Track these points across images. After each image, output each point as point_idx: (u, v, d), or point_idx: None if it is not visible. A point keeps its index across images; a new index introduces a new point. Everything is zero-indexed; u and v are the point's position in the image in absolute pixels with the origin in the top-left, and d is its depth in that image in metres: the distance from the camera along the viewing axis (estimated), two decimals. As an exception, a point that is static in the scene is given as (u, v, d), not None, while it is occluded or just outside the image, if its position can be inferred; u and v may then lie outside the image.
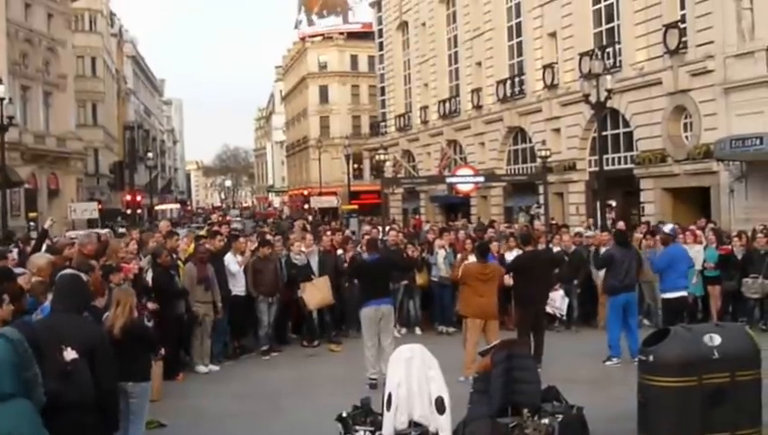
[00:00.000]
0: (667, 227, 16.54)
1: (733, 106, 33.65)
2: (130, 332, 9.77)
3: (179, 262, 17.95)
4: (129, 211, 76.28)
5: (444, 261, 21.77)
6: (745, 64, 33.13)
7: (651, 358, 10.17)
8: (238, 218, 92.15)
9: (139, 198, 77.37)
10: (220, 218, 64.81)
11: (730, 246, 21.46)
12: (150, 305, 14.96)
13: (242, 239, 20.99)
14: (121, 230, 33.88)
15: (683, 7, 37.26)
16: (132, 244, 17.84)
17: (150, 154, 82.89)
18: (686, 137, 37.40)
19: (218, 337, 18.13)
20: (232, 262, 18.89)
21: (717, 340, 10.10)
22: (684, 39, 36.66)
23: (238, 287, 18.85)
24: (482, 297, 16.06)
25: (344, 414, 11.11)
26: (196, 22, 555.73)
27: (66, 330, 7.34)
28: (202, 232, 24.36)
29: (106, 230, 36.78)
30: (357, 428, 10.87)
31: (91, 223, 52.41)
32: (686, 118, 37.55)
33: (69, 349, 7.11)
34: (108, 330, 9.35)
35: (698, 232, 22.45)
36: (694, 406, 9.86)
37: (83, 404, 6.97)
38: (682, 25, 36.87)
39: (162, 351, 12.06)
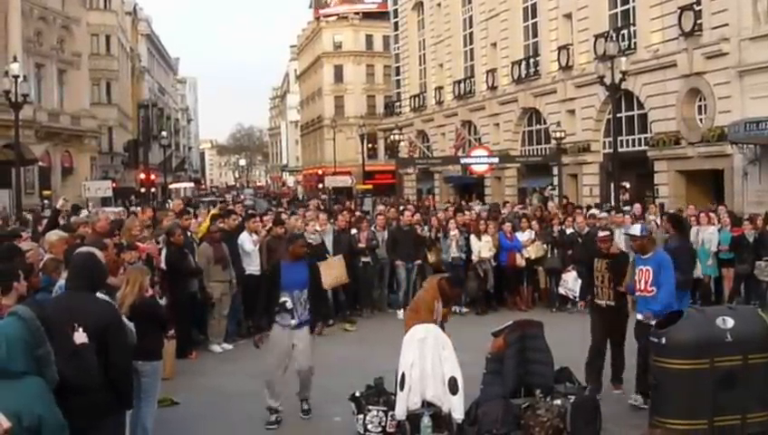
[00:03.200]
0: (635, 229, 13.50)
1: (747, 89, 33.51)
2: (140, 310, 9.78)
3: (194, 240, 18.01)
4: (143, 190, 76.27)
5: (456, 243, 21.75)
6: (760, 47, 32.96)
7: (664, 340, 10.17)
8: (251, 197, 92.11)
9: (152, 176, 77.21)
10: (234, 198, 65.03)
11: (742, 228, 21.39)
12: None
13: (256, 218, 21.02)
14: (134, 209, 33.90)
15: (698, -11, 37.10)
16: (144, 221, 17.91)
17: (164, 133, 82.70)
18: (701, 119, 37.29)
19: (233, 316, 18.20)
20: (247, 241, 18.92)
21: (730, 322, 10.10)
22: (699, 21, 36.50)
23: (252, 266, 18.87)
24: None
25: (357, 394, 11.19)
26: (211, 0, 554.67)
27: (79, 309, 7.36)
28: (215, 210, 24.36)
29: (120, 209, 36.86)
30: (370, 407, 10.95)
31: (104, 201, 52.46)
32: (700, 100, 37.42)
33: (80, 330, 7.14)
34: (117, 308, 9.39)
35: (711, 214, 22.41)
36: (705, 389, 9.87)
37: (89, 387, 7.00)
38: (697, 8, 36.68)
39: (172, 330, 12.11)
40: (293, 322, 11.89)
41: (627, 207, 28.27)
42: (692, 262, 17.15)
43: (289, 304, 11.85)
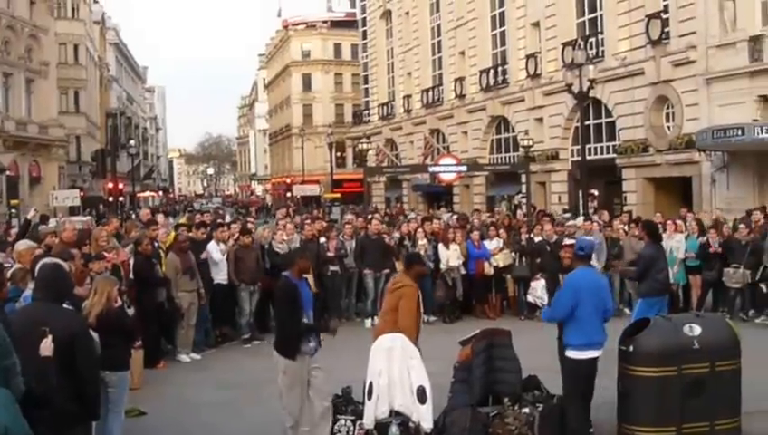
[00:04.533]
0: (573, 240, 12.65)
1: (715, 96, 33.76)
2: (107, 321, 9.71)
3: (161, 250, 17.93)
4: (110, 199, 75.81)
5: (424, 251, 21.71)
6: (727, 55, 33.23)
7: (631, 348, 10.22)
8: (220, 206, 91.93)
9: (121, 185, 76.70)
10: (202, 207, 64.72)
11: (706, 238, 21.47)
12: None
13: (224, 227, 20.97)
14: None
15: (666, -3, 37.37)
16: (111, 232, 17.82)
17: (133, 142, 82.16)
18: (668, 127, 37.52)
19: (200, 325, 18.13)
20: (214, 250, 18.88)
21: (697, 330, 10.17)
22: (666, 29, 36.75)
23: (220, 275, 18.86)
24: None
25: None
26: (180, 9, 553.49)
27: (46, 319, 7.32)
28: (182, 220, 24.31)
29: (88, 218, 36.64)
30: (338, 416, 10.93)
31: (72, 211, 52.17)
32: (668, 108, 37.64)
33: (47, 340, 7.09)
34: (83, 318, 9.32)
35: (679, 221, 22.51)
36: (673, 396, 9.94)
37: (52, 399, 6.94)
38: (665, 16, 36.95)
39: (140, 340, 12.01)
40: (312, 345, 10.74)
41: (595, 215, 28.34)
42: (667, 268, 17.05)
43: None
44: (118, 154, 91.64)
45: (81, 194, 58.96)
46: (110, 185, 76.97)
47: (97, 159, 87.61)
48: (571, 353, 10.46)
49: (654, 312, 13.96)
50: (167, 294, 16.92)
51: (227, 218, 31.71)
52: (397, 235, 22.77)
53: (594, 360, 10.43)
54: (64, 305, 7.93)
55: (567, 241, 12.72)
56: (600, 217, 25.82)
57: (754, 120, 30.75)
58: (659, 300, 15.12)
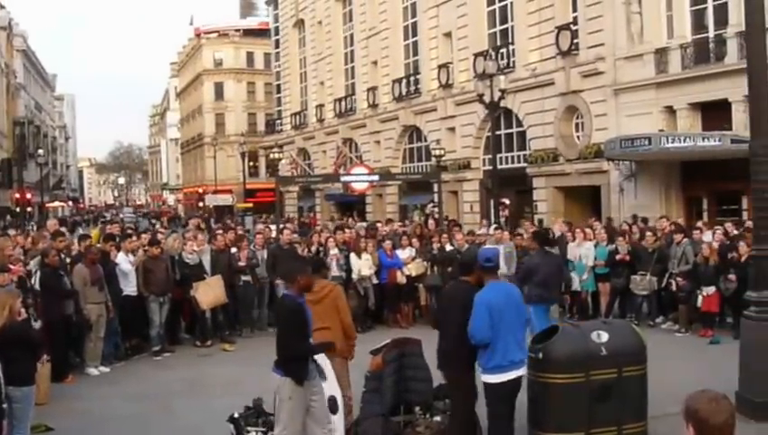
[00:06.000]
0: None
1: (622, 107, 34.34)
2: (10, 334, 9.54)
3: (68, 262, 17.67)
4: (18, 209, 74.63)
5: (336, 261, 21.69)
6: (635, 66, 33.83)
7: (540, 355, 10.30)
8: (131, 216, 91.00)
9: (29, 195, 75.68)
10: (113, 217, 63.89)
11: (614, 245, 21.78)
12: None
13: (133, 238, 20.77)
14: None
15: (575, 10, 37.90)
16: (18, 246, 17.55)
17: (41, 151, 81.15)
18: (578, 137, 38.01)
19: (109, 338, 17.88)
20: (123, 261, 18.66)
21: (605, 337, 10.30)
22: (576, 41, 37.25)
23: (129, 287, 18.63)
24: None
25: (236, 415, 11.09)
26: (91, 16, 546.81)
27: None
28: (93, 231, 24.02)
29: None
30: (249, 429, 10.87)
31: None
32: (577, 118, 38.15)
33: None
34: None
35: (588, 230, 22.78)
36: (581, 401, 10.05)
37: None
38: (574, 27, 37.47)
39: (47, 354, 11.78)
40: (312, 367, 9.74)
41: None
42: (558, 277, 17.17)
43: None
44: (26, 163, 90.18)
45: (-12, 204, 57.97)
46: (18, 195, 75.78)
47: (3, 168, 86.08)
48: (485, 378, 9.84)
49: (542, 319, 14.20)
50: (75, 307, 16.67)
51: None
52: (314, 248, 22.70)
53: (512, 382, 9.80)
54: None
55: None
56: (523, 228, 25.93)
57: (660, 131, 31.31)
58: (542, 308, 15.43)
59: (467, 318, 9.66)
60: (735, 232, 21.83)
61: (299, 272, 9.77)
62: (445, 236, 23.54)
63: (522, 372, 9.89)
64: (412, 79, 53.55)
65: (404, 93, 53.92)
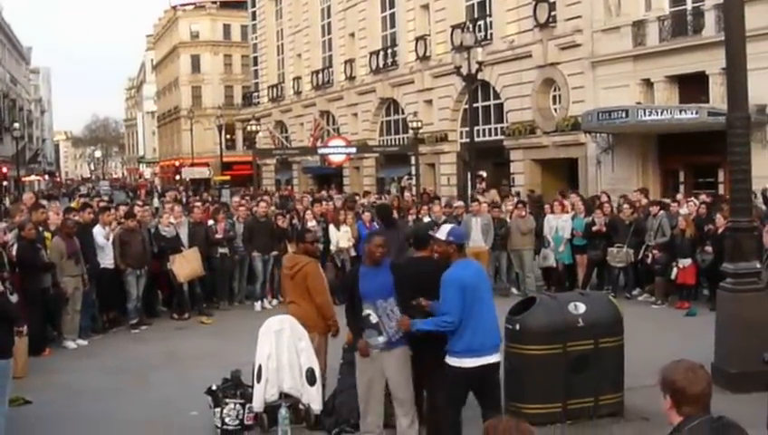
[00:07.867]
0: (442, 232, 9.56)
1: (600, 79, 34.39)
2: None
3: (46, 235, 17.55)
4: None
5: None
6: (612, 39, 33.87)
7: (518, 326, 10.34)
8: (107, 189, 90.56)
9: (5, 169, 75.16)
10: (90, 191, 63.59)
11: (592, 217, 21.80)
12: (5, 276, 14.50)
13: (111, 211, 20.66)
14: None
15: (553, -19, 37.81)
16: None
17: (17, 124, 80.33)
18: (555, 109, 38.09)
19: (87, 311, 17.80)
20: (100, 234, 18.56)
21: (582, 308, 10.36)
22: (553, 13, 37.26)
23: (106, 260, 18.51)
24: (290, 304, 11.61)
25: (214, 387, 11.07)
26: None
27: None
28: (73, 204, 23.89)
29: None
30: (227, 400, 10.84)
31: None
32: (554, 90, 38.21)
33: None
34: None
35: (566, 202, 22.82)
36: (558, 373, 10.13)
37: None
38: (551, 0, 37.37)
39: (25, 327, 11.69)
40: (381, 339, 9.50)
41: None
42: (398, 255, 15.01)
43: (373, 318, 9.57)
44: (1, 137, 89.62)
45: (-37, 178, 57.63)
46: (-6, 169, 75.35)
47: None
48: (451, 360, 8.86)
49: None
50: (52, 280, 16.59)
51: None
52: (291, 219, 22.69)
53: (482, 368, 8.80)
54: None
55: (435, 233, 9.63)
56: (489, 197, 26.04)
57: (638, 103, 31.39)
58: None
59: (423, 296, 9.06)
60: (707, 201, 22.03)
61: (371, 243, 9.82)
62: (425, 208, 23.50)
63: (494, 358, 8.93)
64: (389, 51, 53.42)
65: (381, 66, 53.80)
